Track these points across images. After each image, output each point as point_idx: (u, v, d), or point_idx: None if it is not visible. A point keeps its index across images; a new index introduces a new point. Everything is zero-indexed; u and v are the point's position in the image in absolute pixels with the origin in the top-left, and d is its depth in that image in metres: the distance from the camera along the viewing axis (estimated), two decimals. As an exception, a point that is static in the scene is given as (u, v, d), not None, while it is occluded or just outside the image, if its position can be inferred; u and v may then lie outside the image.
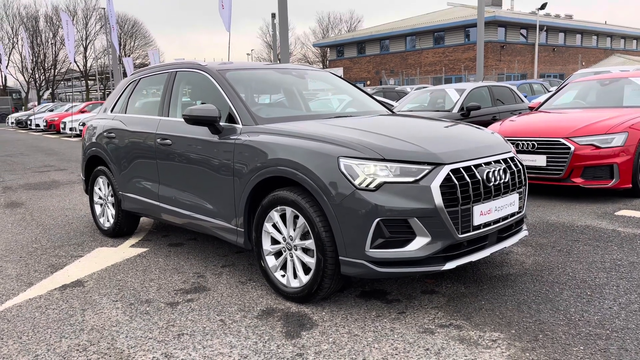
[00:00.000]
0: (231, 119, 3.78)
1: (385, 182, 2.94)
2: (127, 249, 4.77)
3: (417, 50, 45.92)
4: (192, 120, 3.72)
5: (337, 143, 3.13)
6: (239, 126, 3.69)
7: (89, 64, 66.16)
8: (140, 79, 5.02)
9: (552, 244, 4.35)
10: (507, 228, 3.42)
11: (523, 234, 3.62)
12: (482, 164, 3.20)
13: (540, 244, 4.37)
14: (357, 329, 2.92)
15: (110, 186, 5.07)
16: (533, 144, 6.14)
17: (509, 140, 6.31)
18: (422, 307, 3.18)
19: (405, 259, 2.95)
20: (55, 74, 67.80)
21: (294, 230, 3.27)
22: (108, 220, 5.21)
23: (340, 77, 5.02)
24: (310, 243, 3.16)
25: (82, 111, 23.60)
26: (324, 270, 3.08)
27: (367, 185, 2.94)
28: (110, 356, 2.73)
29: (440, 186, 2.95)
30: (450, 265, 3.00)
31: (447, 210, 2.95)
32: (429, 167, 2.99)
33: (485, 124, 7.53)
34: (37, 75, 66.43)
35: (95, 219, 5.45)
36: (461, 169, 3.07)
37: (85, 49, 65.25)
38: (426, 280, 3.61)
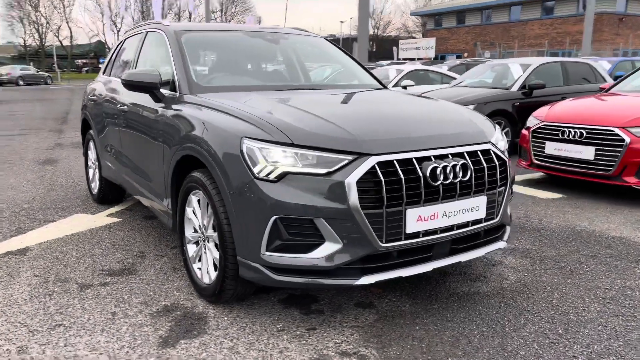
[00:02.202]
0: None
1: (289, 173, 2.39)
2: (101, 218, 4.59)
3: (521, 21, 42.47)
4: (129, 85, 3.35)
5: (247, 120, 2.61)
6: (177, 95, 3.26)
7: (193, 28, 68.70)
8: (125, 39, 4.74)
9: (559, 257, 3.54)
10: (468, 238, 2.73)
11: (496, 246, 2.89)
12: (431, 157, 2.53)
13: (544, 256, 3.57)
14: (243, 344, 2.45)
15: (96, 151, 4.91)
16: (581, 133, 5.14)
17: (554, 126, 5.36)
18: (340, 324, 2.63)
19: (309, 268, 2.41)
20: (163, 37, 71.25)
21: (207, 218, 2.83)
22: (96, 186, 5.08)
23: (337, 46, 4.40)
24: (216, 236, 2.71)
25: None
26: (225, 270, 2.63)
27: (267, 175, 2.41)
28: (-30, 342, 2.49)
29: (359, 182, 2.35)
30: (366, 280, 2.42)
31: (366, 212, 2.35)
32: (350, 157, 2.39)
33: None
34: (146, 38, 70.18)
35: (88, 183, 5.35)
36: (395, 161, 2.43)
37: (190, 14, 67.77)
38: (371, 289, 3.03)
